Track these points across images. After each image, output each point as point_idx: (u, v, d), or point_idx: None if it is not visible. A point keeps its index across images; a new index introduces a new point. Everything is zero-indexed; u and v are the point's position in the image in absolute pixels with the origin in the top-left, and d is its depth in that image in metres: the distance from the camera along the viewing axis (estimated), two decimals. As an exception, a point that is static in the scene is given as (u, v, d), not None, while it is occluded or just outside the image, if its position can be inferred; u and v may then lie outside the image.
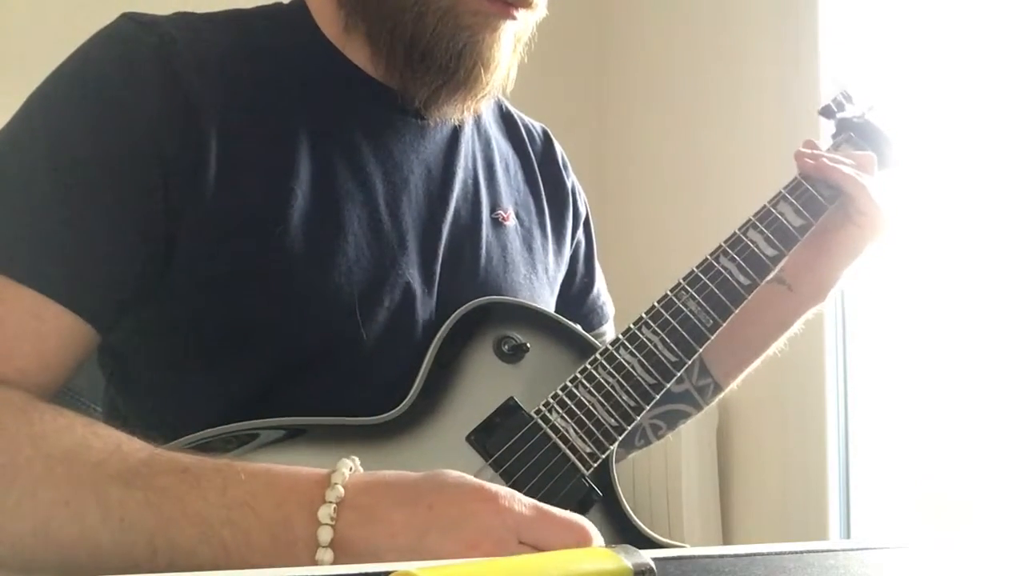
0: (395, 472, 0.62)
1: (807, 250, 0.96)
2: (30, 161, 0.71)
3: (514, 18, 0.79)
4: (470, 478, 0.61)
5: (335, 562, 0.57)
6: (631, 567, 0.46)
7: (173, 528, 0.59)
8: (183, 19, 0.78)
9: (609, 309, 1.06)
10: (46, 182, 0.70)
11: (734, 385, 1.05)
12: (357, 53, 0.82)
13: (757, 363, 1.04)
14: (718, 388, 1.03)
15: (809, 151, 0.98)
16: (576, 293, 1.02)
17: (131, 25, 0.76)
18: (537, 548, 0.58)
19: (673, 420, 1.02)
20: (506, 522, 0.58)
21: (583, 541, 0.59)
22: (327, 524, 0.58)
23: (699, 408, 1.03)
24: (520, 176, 0.96)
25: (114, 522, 0.59)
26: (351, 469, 0.61)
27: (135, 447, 0.63)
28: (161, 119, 0.72)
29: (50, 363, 0.68)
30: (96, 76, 0.74)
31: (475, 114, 0.88)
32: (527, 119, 1.01)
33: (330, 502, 0.58)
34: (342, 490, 0.59)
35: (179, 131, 0.73)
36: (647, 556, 0.47)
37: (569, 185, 1.00)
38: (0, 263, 0.68)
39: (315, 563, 0.57)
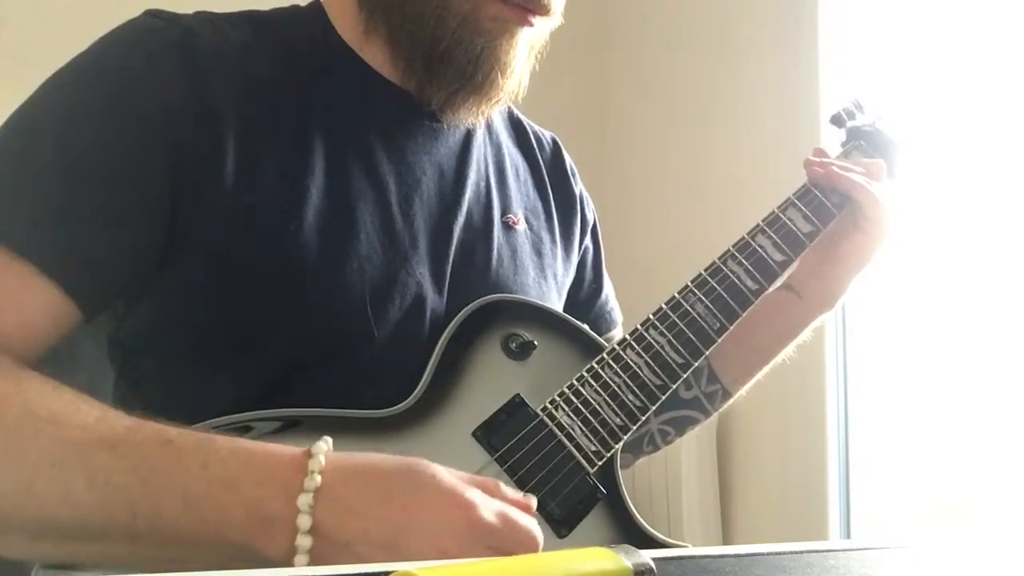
0: (368, 459, 0.64)
1: (815, 258, 0.96)
2: (41, 138, 0.72)
3: (531, 25, 0.80)
4: (444, 477, 0.63)
5: (313, 546, 0.60)
6: (631, 567, 0.46)
7: (155, 497, 0.61)
8: (204, 17, 0.80)
9: (617, 315, 1.07)
10: (53, 160, 0.71)
11: (743, 392, 1.05)
12: (375, 55, 0.83)
13: (766, 370, 1.04)
14: (727, 394, 1.03)
15: (818, 159, 0.98)
16: (585, 299, 1.03)
17: (153, 20, 0.77)
18: (499, 552, 0.62)
19: (681, 426, 1.02)
20: (474, 530, 0.61)
21: (535, 550, 0.64)
22: (306, 512, 0.60)
23: (707, 414, 1.03)
24: (530, 182, 0.97)
25: (99, 486, 0.61)
26: (326, 454, 0.63)
27: (119, 414, 0.65)
28: (179, 110, 0.73)
29: (30, 335, 0.69)
30: (116, 63, 0.75)
31: (487, 118, 0.90)
32: (536, 127, 1.03)
33: (308, 490, 0.61)
34: (319, 478, 0.61)
35: (197, 123, 0.74)
36: (647, 556, 0.47)
37: (577, 193, 1.02)
38: (3, 232, 0.69)
39: (295, 548, 0.60)
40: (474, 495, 0.63)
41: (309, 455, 0.63)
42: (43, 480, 0.61)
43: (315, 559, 0.60)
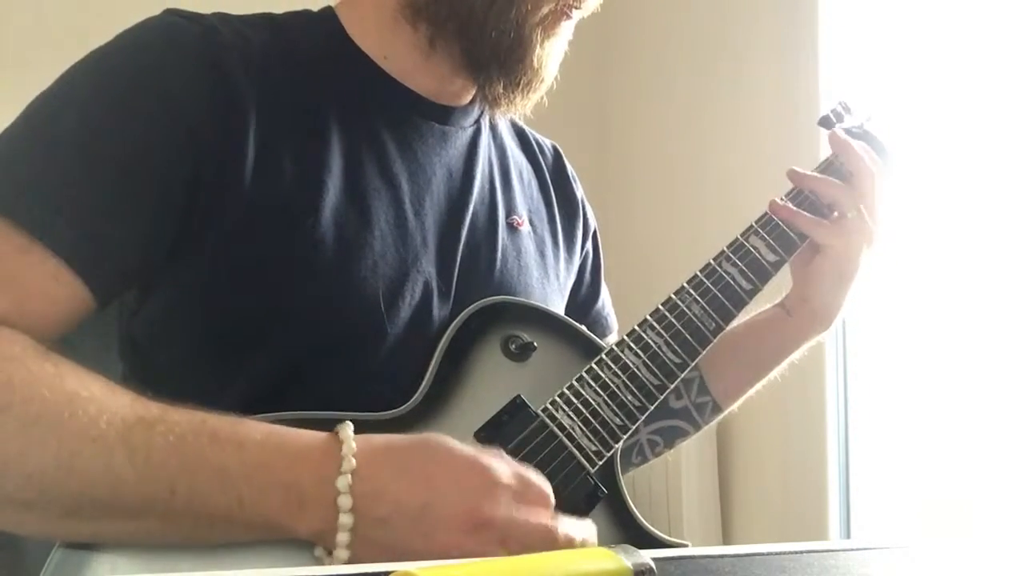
0: (388, 440, 0.69)
1: (798, 279, 0.96)
2: (61, 126, 0.73)
3: (570, 17, 0.83)
4: (459, 448, 0.68)
5: (353, 525, 0.64)
6: (631, 567, 0.47)
7: (194, 475, 0.64)
8: (223, 16, 0.81)
9: (613, 321, 1.08)
10: (74, 147, 0.72)
11: (734, 408, 1.04)
12: (399, 61, 0.85)
13: (758, 387, 1.04)
14: (716, 408, 1.03)
15: (781, 200, 0.94)
16: (581, 302, 1.04)
17: (175, 17, 0.79)
18: (521, 503, 0.68)
19: (671, 437, 1.02)
20: (496, 490, 0.67)
21: (550, 500, 0.70)
22: (346, 493, 0.65)
23: (697, 427, 1.03)
24: (534, 184, 0.99)
25: (139, 462, 0.63)
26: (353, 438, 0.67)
27: (149, 399, 0.67)
28: (200, 102, 0.75)
29: (52, 322, 0.71)
30: (138, 56, 0.76)
31: (492, 122, 0.93)
32: (538, 135, 1.05)
33: (346, 472, 0.65)
34: (354, 461, 0.65)
35: (219, 116, 0.75)
36: (647, 556, 0.47)
37: (579, 198, 1.03)
38: (30, 222, 0.70)
39: (336, 526, 0.64)
40: (488, 460, 0.68)
41: (338, 439, 0.67)
42: (85, 455, 0.63)
43: (353, 537, 0.65)
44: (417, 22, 0.83)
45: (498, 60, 0.82)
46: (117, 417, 0.64)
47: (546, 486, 0.70)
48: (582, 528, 0.71)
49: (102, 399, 0.65)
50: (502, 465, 0.68)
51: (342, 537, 0.64)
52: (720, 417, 1.04)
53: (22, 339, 0.67)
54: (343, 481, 0.65)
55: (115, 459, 0.63)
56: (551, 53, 0.84)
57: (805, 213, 0.92)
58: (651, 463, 1.05)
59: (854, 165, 0.94)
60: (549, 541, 0.67)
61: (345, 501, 0.64)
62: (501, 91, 0.84)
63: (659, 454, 1.03)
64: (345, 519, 0.64)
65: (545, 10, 0.81)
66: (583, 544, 0.70)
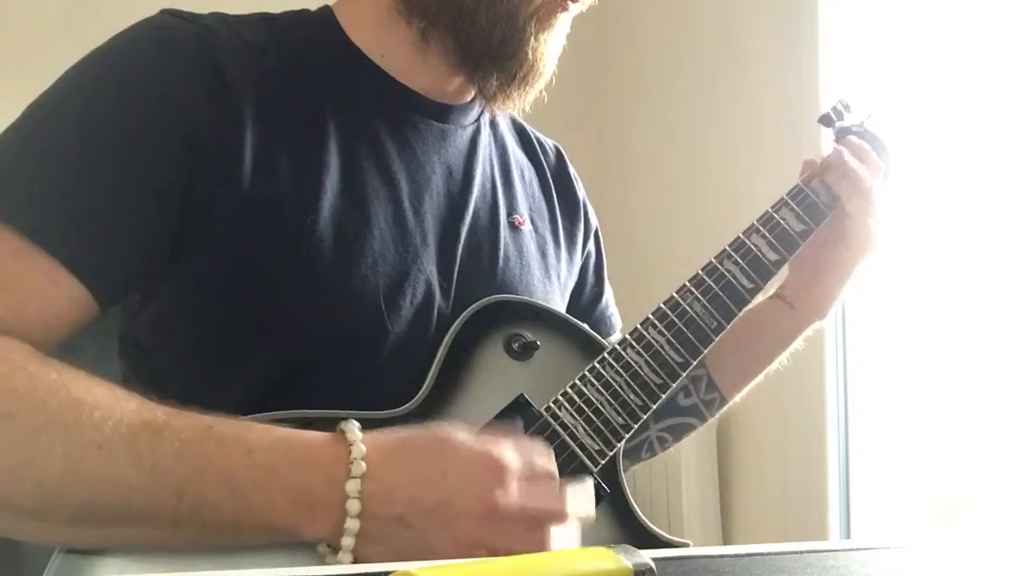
0: (398, 436, 0.69)
1: (803, 270, 0.99)
2: (59, 129, 0.73)
3: (567, 9, 0.83)
4: (469, 440, 0.69)
5: (361, 527, 0.65)
6: (631, 567, 0.46)
7: (201, 480, 0.63)
8: (220, 16, 0.81)
9: (617, 320, 1.09)
10: (73, 150, 0.72)
11: (737, 399, 1.07)
12: (396, 59, 0.85)
13: (760, 378, 1.07)
14: (723, 401, 1.05)
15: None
16: (586, 303, 1.04)
17: (171, 17, 0.79)
18: (531, 484, 0.70)
19: (679, 433, 1.05)
20: (509, 478, 0.68)
21: (556, 477, 0.72)
22: (355, 497, 0.65)
23: (704, 421, 1.06)
24: (535, 183, 0.99)
25: (146, 468, 0.63)
26: (361, 440, 0.67)
27: (154, 402, 0.66)
28: (197, 101, 0.75)
29: (51, 327, 0.70)
30: (135, 57, 0.76)
31: (492, 120, 0.93)
32: (540, 135, 1.05)
33: (355, 476, 0.65)
34: (364, 465, 0.65)
35: (216, 114, 0.75)
36: (647, 556, 0.47)
37: (580, 198, 1.04)
38: (27, 225, 0.69)
39: (343, 530, 0.65)
40: (496, 450, 0.69)
41: (347, 442, 0.67)
42: (91, 462, 0.62)
43: (364, 537, 0.65)
44: (411, 17, 0.83)
45: (491, 53, 0.82)
46: (123, 423, 0.63)
47: (550, 464, 0.72)
48: (584, 499, 0.75)
49: (107, 405, 0.64)
50: (509, 452, 0.69)
51: (346, 541, 0.65)
52: (725, 408, 1.07)
53: (21, 346, 0.66)
54: (352, 485, 0.65)
55: (121, 466, 0.62)
56: (547, 46, 0.83)
57: (847, 175, 0.95)
58: (651, 464, 1.06)
59: (839, 195, 0.95)
60: (560, 518, 0.70)
61: (353, 505, 0.64)
62: (496, 86, 0.84)
63: (666, 448, 1.05)
64: (351, 523, 0.64)
65: (538, 1, 0.81)
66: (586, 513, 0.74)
